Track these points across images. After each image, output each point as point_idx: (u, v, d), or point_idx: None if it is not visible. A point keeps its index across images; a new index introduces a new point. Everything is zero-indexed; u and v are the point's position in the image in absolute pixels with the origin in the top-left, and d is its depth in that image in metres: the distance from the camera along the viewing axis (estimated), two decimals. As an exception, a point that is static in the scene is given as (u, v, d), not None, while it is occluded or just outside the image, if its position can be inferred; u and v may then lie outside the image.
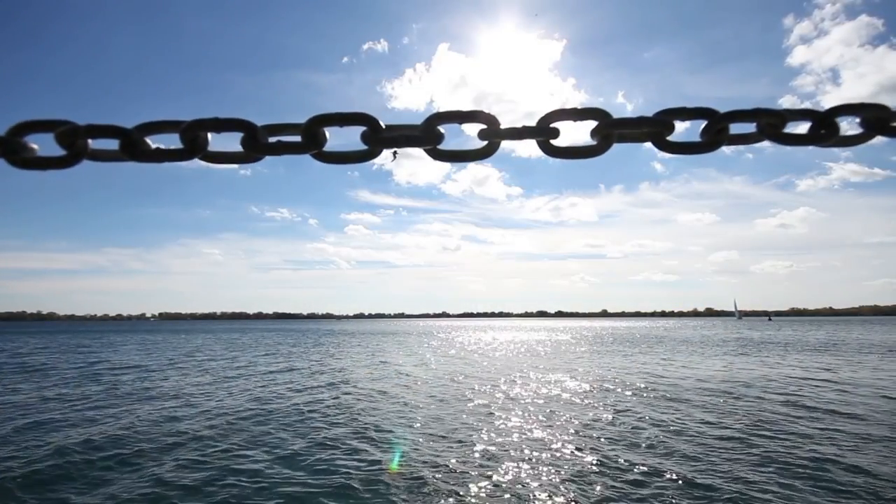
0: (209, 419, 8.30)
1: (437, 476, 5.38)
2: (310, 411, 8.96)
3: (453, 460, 5.91)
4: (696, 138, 0.82)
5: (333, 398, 10.36)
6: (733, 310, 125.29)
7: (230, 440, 6.94)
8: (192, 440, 6.96)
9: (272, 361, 19.31)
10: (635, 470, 5.51)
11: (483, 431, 7.28)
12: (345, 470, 5.65)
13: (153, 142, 0.78)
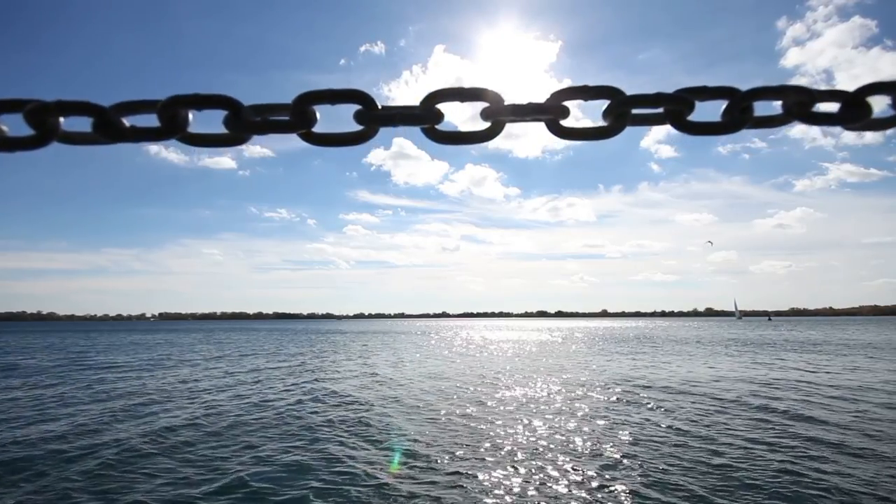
0: (206, 418, 8.24)
1: (437, 476, 5.32)
2: (309, 411, 8.90)
3: (454, 460, 5.85)
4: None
5: (332, 398, 10.30)
6: (733, 310, 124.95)
7: (226, 440, 6.89)
8: (187, 440, 6.90)
9: (271, 361, 19.26)
10: (630, 469, 5.45)
11: (482, 431, 7.22)
12: (344, 469, 5.59)
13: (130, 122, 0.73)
